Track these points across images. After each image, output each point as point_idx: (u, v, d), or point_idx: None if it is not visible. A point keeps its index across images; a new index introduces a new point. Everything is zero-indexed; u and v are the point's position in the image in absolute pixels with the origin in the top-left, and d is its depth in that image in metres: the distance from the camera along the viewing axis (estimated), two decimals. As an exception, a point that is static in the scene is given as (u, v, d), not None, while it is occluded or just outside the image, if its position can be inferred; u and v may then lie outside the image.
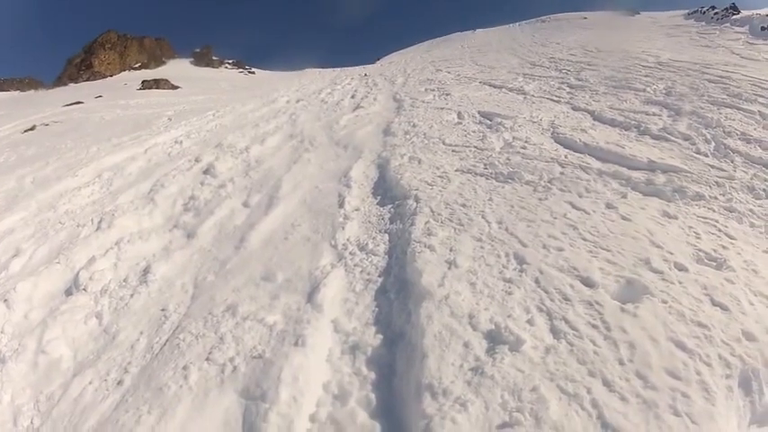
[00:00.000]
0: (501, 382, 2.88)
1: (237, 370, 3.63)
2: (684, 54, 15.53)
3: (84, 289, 5.52)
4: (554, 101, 11.40)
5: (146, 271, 5.69)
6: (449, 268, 4.24)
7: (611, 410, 2.61)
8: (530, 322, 3.39)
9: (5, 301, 5.30)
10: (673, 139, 7.51)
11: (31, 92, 59.76)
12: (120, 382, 3.97)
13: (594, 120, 9.19)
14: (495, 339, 3.27)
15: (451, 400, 2.82)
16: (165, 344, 4.29)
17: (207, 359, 3.81)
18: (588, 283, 3.76)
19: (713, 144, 7.21)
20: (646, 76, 12.51)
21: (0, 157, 15.57)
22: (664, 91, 10.60)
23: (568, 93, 12.00)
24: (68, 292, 5.60)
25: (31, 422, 3.90)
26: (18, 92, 61.62)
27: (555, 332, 3.27)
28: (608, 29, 31.16)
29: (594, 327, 3.26)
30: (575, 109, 10.22)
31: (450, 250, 4.57)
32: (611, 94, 11.06)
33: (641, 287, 3.66)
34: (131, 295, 5.29)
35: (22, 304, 5.35)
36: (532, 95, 12.35)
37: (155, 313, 4.90)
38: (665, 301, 3.47)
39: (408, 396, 3.09)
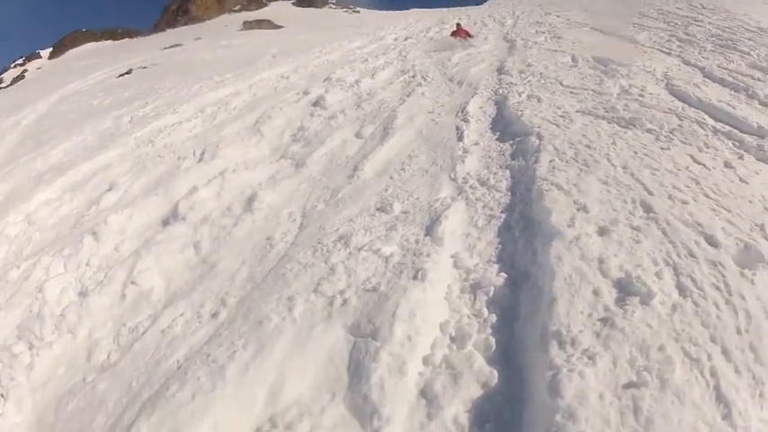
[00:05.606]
0: (631, 337, 2.70)
1: (348, 303, 3.43)
2: (785, 22, 14.45)
3: (182, 218, 5.48)
4: (665, 53, 10.85)
5: (251, 199, 5.63)
6: (577, 210, 4.03)
7: (727, 382, 2.43)
8: (658, 275, 3.17)
9: (94, 233, 5.33)
10: (777, 105, 7.02)
11: (126, 40, 60.91)
12: (215, 314, 3.84)
13: (705, 77, 8.69)
14: (625, 289, 3.07)
15: (579, 351, 2.65)
16: (268, 273, 4.18)
17: (315, 291, 3.64)
18: (712, 242, 3.51)
19: (816, 115, 6.69)
20: (749, 39, 11.66)
21: (94, 101, 16.03)
22: (766, 57, 9.91)
23: (678, 46, 11.35)
24: (165, 222, 5.61)
25: (108, 357, 3.79)
26: (111, 41, 62.94)
27: (681, 289, 3.06)
28: (712, -15, 29.36)
29: (718, 289, 3.03)
30: (685, 63, 9.68)
31: (579, 191, 4.35)
32: (719, 53, 10.38)
33: (757, 254, 3.38)
34: (234, 224, 5.24)
35: (114, 237, 5.37)
36: (643, 45, 11.82)
37: (259, 242, 4.84)
38: (780, 272, 3.21)
39: (532, 343, 2.94)
